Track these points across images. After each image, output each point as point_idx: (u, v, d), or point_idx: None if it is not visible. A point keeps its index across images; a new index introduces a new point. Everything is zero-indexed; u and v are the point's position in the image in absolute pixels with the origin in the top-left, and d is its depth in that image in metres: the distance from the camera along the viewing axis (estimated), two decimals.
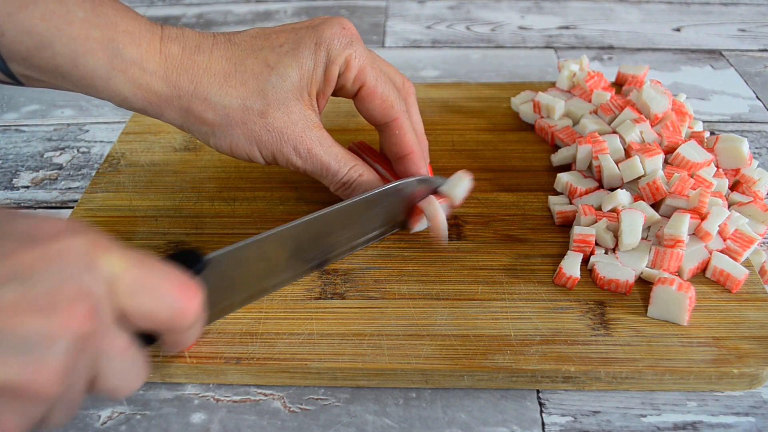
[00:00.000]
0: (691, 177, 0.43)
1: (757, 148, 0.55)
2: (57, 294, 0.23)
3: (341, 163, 0.41)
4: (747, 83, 0.63)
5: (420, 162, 0.43)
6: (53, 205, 0.50)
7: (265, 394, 0.37)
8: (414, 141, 0.43)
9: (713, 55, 0.69)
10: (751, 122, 0.58)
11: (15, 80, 0.37)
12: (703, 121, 0.58)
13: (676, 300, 0.37)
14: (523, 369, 0.36)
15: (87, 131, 0.60)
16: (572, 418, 0.36)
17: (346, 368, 0.36)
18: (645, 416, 0.35)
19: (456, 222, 0.45)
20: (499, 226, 0.45)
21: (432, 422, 0.35)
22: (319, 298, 0.40)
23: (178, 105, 0.38)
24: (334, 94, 0.42)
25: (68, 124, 0.61)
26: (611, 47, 0.70)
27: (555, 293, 0.40)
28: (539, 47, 0.71)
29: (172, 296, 0.27)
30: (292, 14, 0.79)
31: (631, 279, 0.39)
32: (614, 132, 0.48)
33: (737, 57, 0.68)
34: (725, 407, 0.36)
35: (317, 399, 0.37)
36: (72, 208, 0.50)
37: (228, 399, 0.37)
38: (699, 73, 0.65)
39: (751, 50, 0.69)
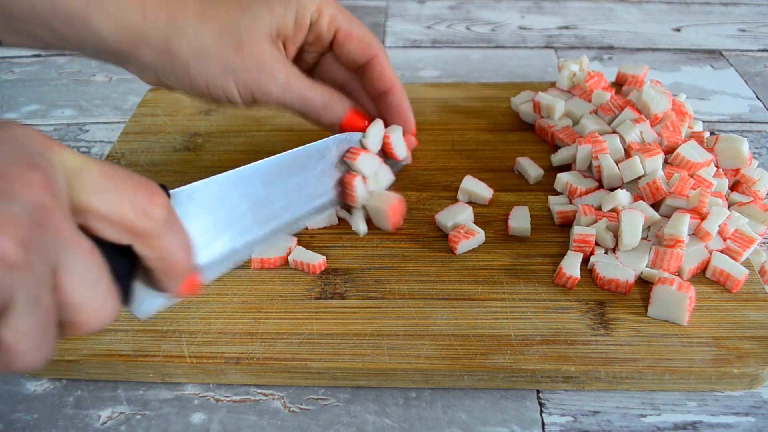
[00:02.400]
0: (691, 177, 0.43)
1: (757, 148, 0.55)
2: (11, 165, 0.22)
3: (316, 89, 0.42)
4: (747, 83, 0.63)
5: (402, 95, 0.46)
6: None
7: (265, 394, 0.37)
8: (394, 75, 0.45)
9: (713, 55, 0.69)
10: (751, 122, 0.58)
11: None
12: (703, 121, 0.58)
13: (676, 300, 0.37)
14: (523, 369, 0.36)
15: (87, 131, 0.60)
16: (572, 418, 0.36)
17: (346, 368, 0.36)
18: (644, 416, 0.35)
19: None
20: (499, 226, 0.45)
21: (432, 422, 0.35)
22: (319, 298, 0.40)
23: (154, 40, 0.38)
24: (310, 48, 0.44)
25: (68, 124, 0.61)
26: (611, 47, 0.70)
27: (555, 293, 0.40)
28: (539, 47, 0.71)
29: (135, 193, 0.26)
30: None
31: (631, 279, 0.39)
32: (614, 132, 0.48)
33: (737, 57, 0.68)
34: (725, 407, 0.36)
35: (317, 399, 0.37)
36: None
37: (228, 399, 0.37)
38: (699, 73, 0.65)
39: (751, 50, 0.69)
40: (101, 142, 0.58)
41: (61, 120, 0.61)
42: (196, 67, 0.39)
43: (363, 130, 0.45)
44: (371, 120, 0.45)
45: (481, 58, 0.69)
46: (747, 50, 0.69)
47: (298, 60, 0.45)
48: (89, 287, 0.24)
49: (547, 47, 0.71)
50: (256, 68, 0.40)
